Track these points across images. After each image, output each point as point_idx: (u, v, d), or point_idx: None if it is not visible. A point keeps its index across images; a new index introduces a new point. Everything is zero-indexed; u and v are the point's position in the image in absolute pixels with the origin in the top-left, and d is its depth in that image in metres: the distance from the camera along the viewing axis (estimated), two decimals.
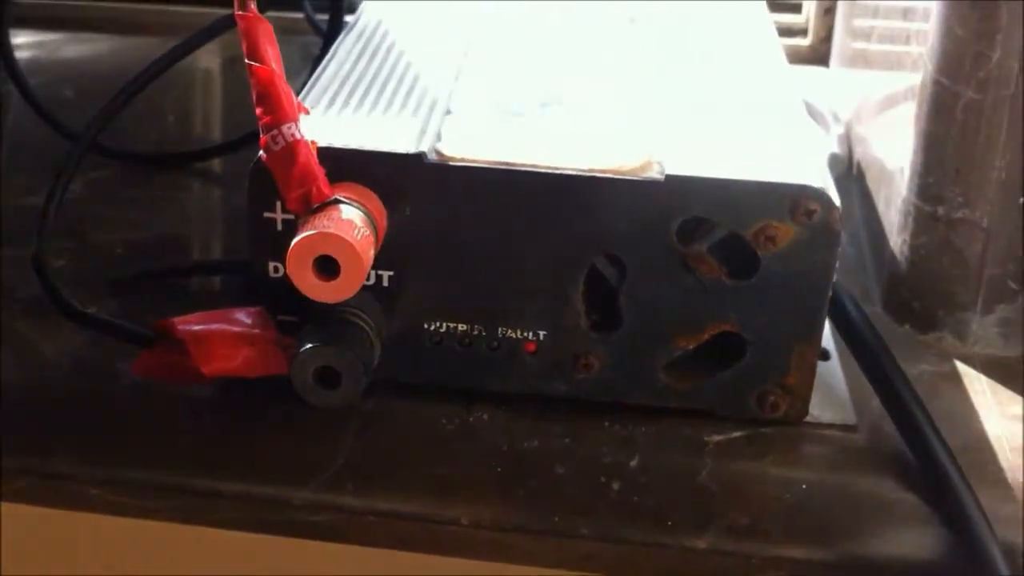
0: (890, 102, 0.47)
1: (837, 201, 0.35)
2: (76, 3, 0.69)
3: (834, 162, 0.53)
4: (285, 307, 0.36)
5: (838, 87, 0.60)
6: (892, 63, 0.48)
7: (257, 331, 0.36)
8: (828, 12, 0.64)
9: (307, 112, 0.36)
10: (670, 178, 0.35)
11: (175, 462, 0.37)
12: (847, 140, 0.55)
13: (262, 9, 0.34)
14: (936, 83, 0.40)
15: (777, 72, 0.42)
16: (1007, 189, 0.40)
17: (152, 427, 0.38)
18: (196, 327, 0.36)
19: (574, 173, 0.35)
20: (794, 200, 0.34)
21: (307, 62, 0.54)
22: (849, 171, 0.53)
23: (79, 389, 0.39)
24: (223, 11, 0.43)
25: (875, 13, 0.53)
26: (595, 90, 0.40)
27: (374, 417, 0.38)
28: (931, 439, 0.35)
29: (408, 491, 0.36)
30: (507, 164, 0.35)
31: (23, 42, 0.64)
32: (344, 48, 0.42)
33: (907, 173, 0.42)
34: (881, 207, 0.46)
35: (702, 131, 0.37)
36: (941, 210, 0.41)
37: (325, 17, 0.51)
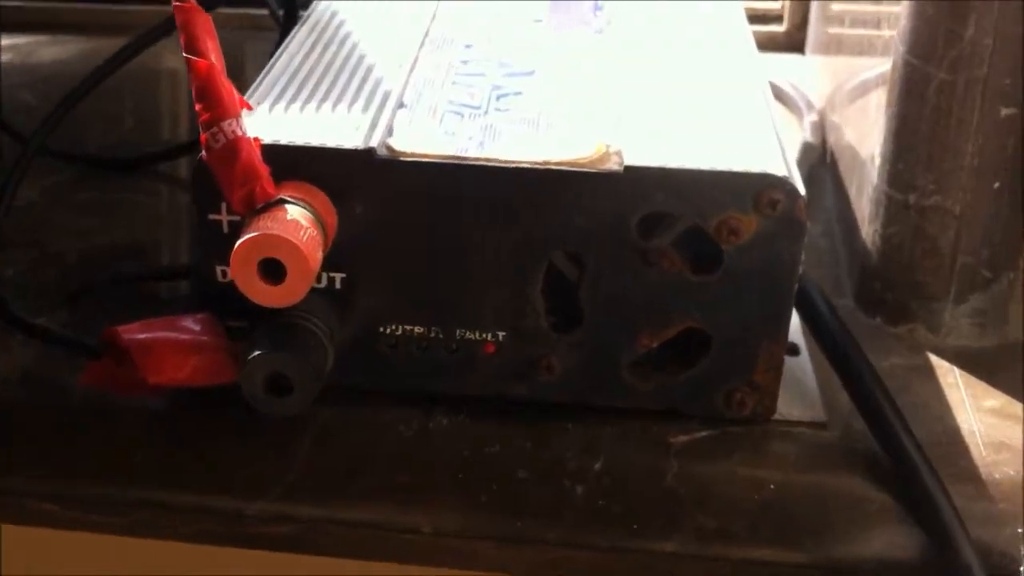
0: (863, 89, 0.46)
1: (802, 190, 0.34)
2: (50, 5, 0.68)
3: (808, 151, 0.52)
4: (234, 312, 0.35)
5: (813, 74, 0.59)
6: (864, 47, 0.47)
7: (206, 338, 0.35)
8: None
9: (249, 108, 0.35)
10: (629, 169, 0.33)
11: (128, 476, 0.36)
12: (821, 128, 0.54)
13: (214, 3, 0.33)
14: (907, 64, 0.39)
15: (742, 59, 0.41)
16: (980, 174, 0.39)
17: (104, 440, 0.37)
18: (141, 336, 0.35)
19: (528, 166, 0.34)
20: (757, 190, 0.33)
21: None
22: (823, 160, 0.52)
23: (29, 402, 0.38)
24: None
25: None
26: (553, 81, 0.39)
27: (331, 424, 0.37)
28: (902, 436, 0.34)
29: (368, 499, 0.35)
30: (459, 158, 0.34)
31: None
32: (296, 41, 0.41)
33: (878, 161, 0.41)
34: (853, 196, 0.45)
35: (663, 120, 0.36)
36: (912, 198, 0.40)
37: None
